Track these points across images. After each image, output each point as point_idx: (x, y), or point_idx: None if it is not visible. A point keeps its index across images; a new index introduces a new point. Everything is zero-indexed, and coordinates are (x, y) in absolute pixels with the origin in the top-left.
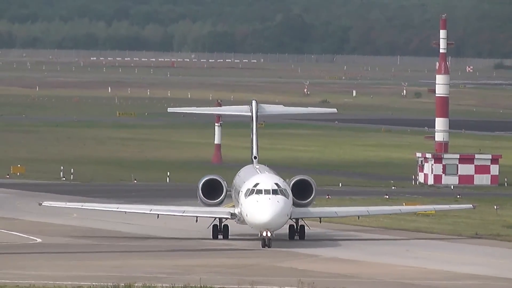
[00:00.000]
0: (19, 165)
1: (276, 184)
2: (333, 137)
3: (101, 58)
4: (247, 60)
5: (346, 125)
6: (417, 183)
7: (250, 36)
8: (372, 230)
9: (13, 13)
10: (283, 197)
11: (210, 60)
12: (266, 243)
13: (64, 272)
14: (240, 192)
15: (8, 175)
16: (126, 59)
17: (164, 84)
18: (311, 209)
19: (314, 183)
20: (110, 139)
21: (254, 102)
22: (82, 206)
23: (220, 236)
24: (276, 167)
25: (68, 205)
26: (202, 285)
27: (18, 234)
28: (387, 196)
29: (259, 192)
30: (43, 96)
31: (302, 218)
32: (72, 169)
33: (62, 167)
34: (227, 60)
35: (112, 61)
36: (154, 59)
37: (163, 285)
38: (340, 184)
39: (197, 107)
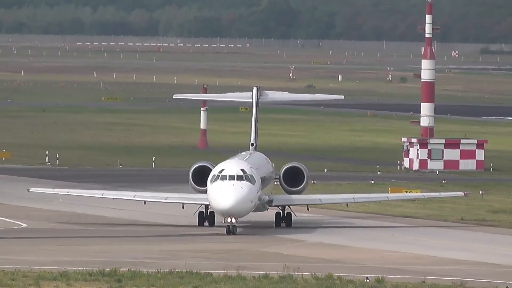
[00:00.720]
0: (4, 150)
1: (242, 170)
2: (319, 122)
3: (86, 43)
4: (232, 45)
5: (332, 110)
6: (403, 168)
7: (236, 21)
8: (358, 215)
9: None
10: (248, 183)
11: (196, 45)
12: (231, 229)
13: (50, 257)
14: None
15: None
16: (111, 44)
17: (150, 69)
18: (294, 197)
19: (306, 170)
20: (96, 124)
21: (255, 89)
22: (68, 192)
23: (206, 223)
24: (262, 152)
25: (55, 191)
26: (188, 270)
27: (4, 219)
28: (372, 181)
29: (223, 178)
30: (28, 81)
31: (289, 206)
32: (57, 154)
33: (47, 152)
34: (212, 45)
35: (98, 46)
36: (139, 44)
37: (149, 270)
38: (326, 169)
39: (183, 92)
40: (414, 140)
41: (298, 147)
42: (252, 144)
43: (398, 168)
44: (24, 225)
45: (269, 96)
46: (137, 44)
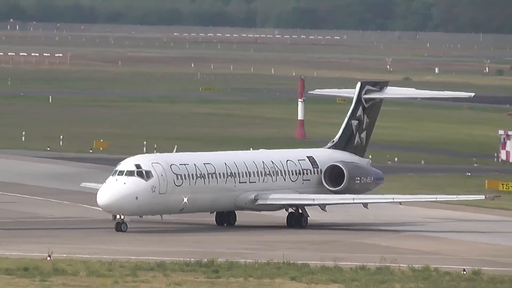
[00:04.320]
0: (102, 140)
1: (137, 165)
2: (415, 113)
3: (184, 34)
4: (330, 37)
5: (428, 102)
6: (499, 160)
7: (333, 12)
8: (454, 207)
9: None
10: (138, 178)
11: (293, 36)
12: (120, 226)
13: (146, 248)
14: None
15: (91, 150)
16: (209, 34)
17: (247, 60)
18: (284, 196)
19: (347, 170)
20: (193, 114)
21: (358, 84)
22: None
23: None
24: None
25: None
26: (285, 261)
27: (100, 209)
28: (469, 174)
29: (115, 172)
30: (125, 72)
31: (304, 206)
32: (155, 144)
33: (145, 142)
34: (310, 37)
35: (195, 37)
36: (237, 35)
37: (246, 260)
38: (423, 161)
39: (281, 83)
40: (511, 133)
41: (394, 138)
42: (333, 141)
43: (495, 160)
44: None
45: (397, 92)
46: (234, 35)
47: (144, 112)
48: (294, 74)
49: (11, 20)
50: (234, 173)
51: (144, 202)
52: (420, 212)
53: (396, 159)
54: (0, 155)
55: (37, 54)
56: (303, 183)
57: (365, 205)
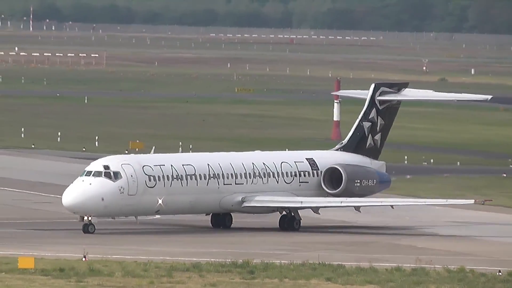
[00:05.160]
0: (137, 141)
1: (105, 166)
2: (451, 115)
3: (220, 35)
4: (366, 38)
5: (464, 103)
6: None
7: (369, 13)
8: (489, 208)
9: None
10: (105, 179)
11: (329, 37)
12: (88, 228)
13: (182, 248)
14: None
15: (126, 150)
16: (245, 35)
17: (283, 61)
18: (272, 198)
19: (346, 173)
20: (229, 115)
21: (372, 85)
22: None
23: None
24: (392, 144)
25: None
26: (321, 262)
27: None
28: (505, 175)
29: (83, 173)
30: (162, 72)
31: (297, 209)
32: (191, 145)
33: (180, 143)
34: (346, 38)
35: (231, 38)
36: (273, 36)
37: (282, 261)
38: (458, 163)
39: (315, 84)
40: None
41: (430, 140)
42: (342, 143)
43: None
44: (157, 216)
45: (414, 94)
46: (270, 36)
47: (179, 113)
48: (330, 75)
49: (47, 20)
50: (218, 174)
51: (110, 203)
52: (456, 213)
53: (431, 160)
54: (36, 156)
55: (73, 55)
56: (300, 185)
57: (357, 208)
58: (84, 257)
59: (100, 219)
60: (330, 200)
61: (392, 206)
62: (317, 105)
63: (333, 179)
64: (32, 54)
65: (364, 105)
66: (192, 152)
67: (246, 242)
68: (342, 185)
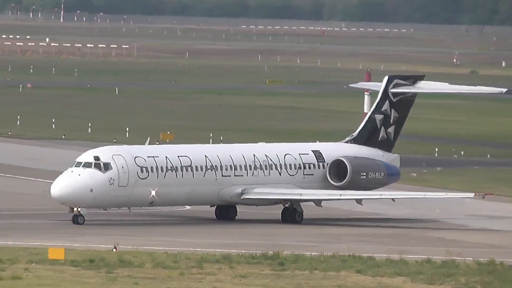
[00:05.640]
0: (168, 132)
1: (96, 157)
2: (482, 107)
3: (251, 26)
4: (397, 30)
5: (495, 96)
6: None
7: (400, 6)
8: None
9: None
10: (94, 170)
11: (360, 29)
12: (77, 219)
13: (212, 240)
14: None
15: (157, 141)
16: (276, 27)
17: (314, 53)
18: (271, 190)
19: (351, 165)
20: (259, 107)
21: (386, 78)
22: None
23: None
24: (423, 136)
25: None
26: (351, 254)
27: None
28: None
29: (73, 164)
30: (192, 64)
31: (299, 202)
32: (221, 137)
33: (211, 134)
34: (377, 30)
35: (262, 30)
36: (304, 28)
37: (312, 253)
38: (489, 155)
39: (347, 76)
40: None
41: (460, 132)
42: (352, 135)
43: None
44: (188, 207)
45: (430, 87)
46: (301, 27)
47: (211, 104)
48: (360, 67)
49: (78, 11)
50: (216, 166)
51: (99, 195)
52: (486, 205)
53: (462, 152)
54: (67, 147)
55: (104, 46)
56: (304, 177)
57: (359, 201)
58: (115, 248)
59: (90, 210)
60: (330, 192)
61: (393, 199)
62: (348, 97)
63: (339, 172)
64: (63, 45)
65: (377, 97)
66: (222, 143)
67: (276, 234)
68: (347, 177)
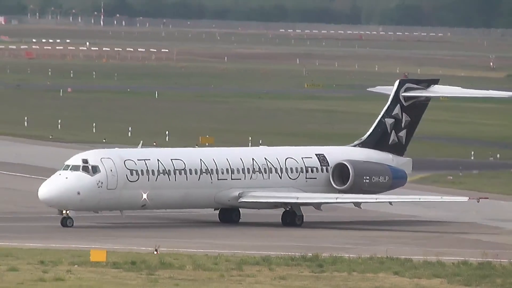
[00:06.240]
0: (207, 136)
1: (84, 160)
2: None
3: (289, 30)
4: (434, 34)
5: None
6: None
7: (438, 9)
8: None
9: None
10: (82, 173)
11: (397, 33)
12: (66, 222)
13: (251, 242)
14: None
15: (197, 145)
16: (314, 31)
17: (352, 56)
18: (268, 193)
19: (354, 169)
20: (298, 110)
21: (397, 82)
22: None
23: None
24: (459, 139)
25: None
26: (388, 256)
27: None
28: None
29: (62, 167)
30: (231, 67)
31: (299, 205)
32: (260, 140)
33: (250, 138)
34: (414, 33)
35: (301, 34)
36: (342, 32)
37: (350, 255)
38: None
39: (385, 80)
40: None
41: (497, 135)
42: (361, 139)
43: None
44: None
45: (443, 91)
46: (339, 31)
47: (250, 107)
48: (398, 70)
49: (118, 15)
50: (211, 169)
51: (87, 197)
52: None
53: (498, 155)
54: None
55: (144, 50)
56: (306, 181)
57: (358, 205)
58: (156, 250)
59: (79, 213)
60: (326, 196)
61: (390, 202)
62: (385, 100)
63: (343, 175)
64: (103, 49)
65: (387, 101)
66: (261, 146)
67: (315, 236)
68: (349, 181)
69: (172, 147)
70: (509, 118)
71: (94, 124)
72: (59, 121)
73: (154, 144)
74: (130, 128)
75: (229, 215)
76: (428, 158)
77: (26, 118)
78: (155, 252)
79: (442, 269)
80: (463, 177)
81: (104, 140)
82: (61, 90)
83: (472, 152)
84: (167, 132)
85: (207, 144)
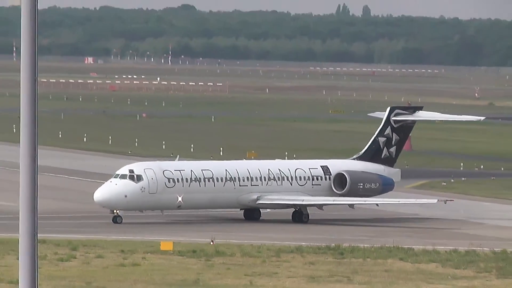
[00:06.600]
0: (253, 151)
1: (130, 170)
2: (498, 132)
3: (317, 68)
4: (431, 70)
5: (509, 121)
6: None
7: (434, 51)
8: None
9: (249, 31)
10: (129, 181)
11: (402, 70)
12: (116, 219)
13: (287, 235)
14: None
15: (244, 159)
16: (337, 68)
17: (367, 88)
18: (280, 196)
19: (350, 177)
20: (324, 131)
21: (388, 108)
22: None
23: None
24: (451, 154)
25: None
26: (395, 245)
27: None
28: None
29: (113, 175)
30: (272, 98)
31: (305, 206)
32: (294, 155)
33: (286, 153)
34: (415, 70)
35: (326, 70)
36: (359, 69)
37: (365, 245)
38: (502, 168)
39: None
40: None
41: (484, 151)
42: (358, 154)
43: None
44: (268, 210)
45: (423, 115)
46: (357, 69)
47: (286, 129)
48: (402, 99)
49: (182, 56)
50: (234, 177)
51: (132, 200)
52: (503, 208)
53: (481, 166)
54: None
55: (202, 84)
56: (312, 187)
57: (351, 206)
58: (212, 241)
59: (127, 213)
60: (326, 198)
61: (377, 204)
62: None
63: (342, 182)
64: (171, 83)
65: (380, 124)
66: (295, 159)
67: (339, 230)
68: (346, 187)
69: (225, 159)
70: (491, 136)
71: (163, 142)
72: (136, 139)
73: (211, 158)
74: (192, 145)
75: (251, 214)
76: (425, 168)
77: (110, 137)
78: (211, 243)
79: (437, 255)
80: (454, 183)
81: (171, 155)
82: (138, 116)
83: (462, 164)
84: (221, 148)
85: (252, 157)
